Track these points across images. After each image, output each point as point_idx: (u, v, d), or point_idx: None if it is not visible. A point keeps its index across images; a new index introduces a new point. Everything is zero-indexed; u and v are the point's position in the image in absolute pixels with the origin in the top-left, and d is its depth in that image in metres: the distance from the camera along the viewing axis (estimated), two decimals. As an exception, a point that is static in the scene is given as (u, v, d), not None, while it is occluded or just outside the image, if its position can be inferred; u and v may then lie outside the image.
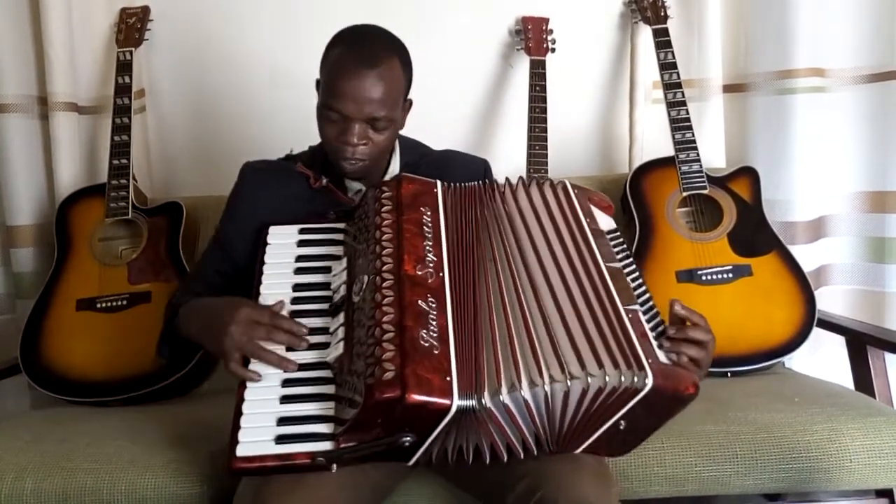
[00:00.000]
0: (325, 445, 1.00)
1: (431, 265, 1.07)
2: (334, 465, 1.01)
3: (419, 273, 1.05)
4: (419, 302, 1.02)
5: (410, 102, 1.30)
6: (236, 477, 1.06)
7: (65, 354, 1.68)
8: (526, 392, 0.95)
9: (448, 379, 0.96)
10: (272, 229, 1.24)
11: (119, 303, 1.71)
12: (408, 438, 0.99)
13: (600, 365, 0.96)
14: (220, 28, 2.01)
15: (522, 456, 1.03)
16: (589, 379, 0.95)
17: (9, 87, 1.87)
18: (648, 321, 1.05)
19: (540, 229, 1.14)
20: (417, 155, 1.37)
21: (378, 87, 1.18)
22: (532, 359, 0.98)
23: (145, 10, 1.95)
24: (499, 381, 0.96)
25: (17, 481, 1.23)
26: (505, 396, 0.95)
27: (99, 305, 1.71)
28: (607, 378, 0.95)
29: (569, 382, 0.95)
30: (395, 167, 1.34)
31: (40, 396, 1.72)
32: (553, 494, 0.99)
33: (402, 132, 1.34)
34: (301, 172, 1.31)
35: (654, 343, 1.02)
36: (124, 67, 1.87)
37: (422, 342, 0.98)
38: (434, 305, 1.02)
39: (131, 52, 1.89)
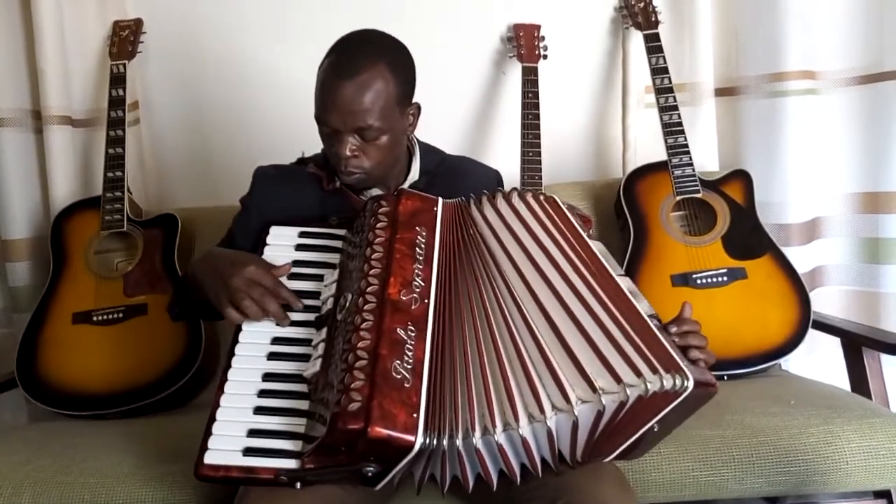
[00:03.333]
0: (290, 463, 0.99)
1: (418, 290, 1.04)
2: (298, 484, 0.99)
3: (403, 298, 1.02)
4: (398, 329, 0.99)
5: (418, 106, 1.27)
6: (203, 482, 1.04)
7: (61, 368, 1.68)
8: (499, 435, 0.92)
9: (415, 416, 0.93)
10: (273, 230, 1.22)
11: (115, 315, 1.71)
12: (371, 469, 0.97)
13: (638, 374, 0.92)
14: (213, 39, 2.02)
15: (518, 481, 1.00)
16: (628, 390, 0.91)
17: (3, 101, 1.88)
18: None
19: (537, 244, 1.10)
20: (436, 160, 1.35)
21: (360, 97, 1.15)
22: (533, 390, 0.93)
23: (138, 23, 1.95)
24: (472, 423, 0.93)
25: (14, 496, 1.23)
26: (477, 440, 0.92)
27: (95, 318, 1.71)
28: (649, 385, 0.91)
29: (603, 399, 0.91)
30: (415, 172, 1.32)
31: (38, 410, 1.72)
32: (575, 502, 0.98)
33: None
34: (312, 173, 1.30)
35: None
36: (118, 80, 1.88)
37: (394, 373, 0.95)
38: (413, 334, 0.99)
39: (125, 65, 1.89)
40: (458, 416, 0.94)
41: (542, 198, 1.18)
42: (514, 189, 1.19)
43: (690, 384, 0.94)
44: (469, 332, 1.01)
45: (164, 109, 2.04)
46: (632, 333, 0.98)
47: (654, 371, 0.93)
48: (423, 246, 1.09)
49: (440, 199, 1.17)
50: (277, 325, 1.11)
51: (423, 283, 1.05)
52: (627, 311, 1.01)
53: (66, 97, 1.90)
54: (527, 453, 0.96)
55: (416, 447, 0.92)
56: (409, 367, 0.96)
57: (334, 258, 1.18)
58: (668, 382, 0.93)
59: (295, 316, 1.13)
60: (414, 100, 1.26)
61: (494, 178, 1.39)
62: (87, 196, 1.89)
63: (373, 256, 1.07)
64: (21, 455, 1.35)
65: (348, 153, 1.19)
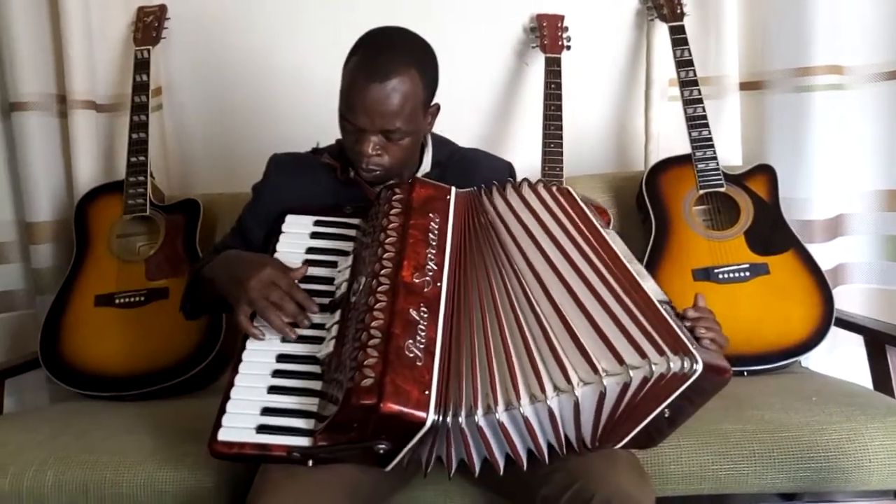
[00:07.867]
0: (303, 441, 1.01)
1: (430, 274, 1.06)
2: (310, 461, 1.01)
3: (416, 281, 1.04)
4: (411, 310, 1.01)
5: (437, 107, 1.28)
6: (218, 459, 1.05)
7: (83, 349, 1.69)
8: (501, 414, 0.93)
9: (427, 393, 0.95)
10: (288, 218, 1.25)
11: (137, 299, 1.72)
12: (382, 446, 0.98)
13: (643, 356, 0.93)
14: (236, 25, 2.02)
15: (525, 467, 1.01)
16: (631, 372, 0.91)
17: (28, 86, 1.90)
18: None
19: (545, 232, 1.11)
20: (447, 152, 1.36)
21: (390, 101, 1.16)
22: (535, 371, 0.95)
23: (162, 9, 1.96)
24: (475, 402, 0.94)
25: (38, 474, 1.25)
26: (480, 418, 0.94)
27: (117, 301, 1.73)
28: (654, 366, 0.92)
29: (605, 381, 0.92)
30: (426, 164, 1.33)
31: (59, 390, 1.75)
32: (591, 487, 0.98)
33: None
34: (327, 164, 1.32)
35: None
36: (142, 65, 1.89)
37: (406, 352, 0.97)
38: (426, 315, 1.01)
39: (149, 51, 1.91)
40: (462, 395, 0.96)
41: (554, 188, 1.20)
42: (525, 179, 1.21)
43: (699, 367, 0.94)
44: (478, 314, 1.03)
45: (187, 95, 2.05)
46: (639, 317, 0.98)
47: (661, 353, 0.93)
48: (435, 232, 1.11)
49: (453, 188, 1.19)
50: (295, 326, 1.11)
51: (435, 268, 1.07)
52: (636, 296, 1.02)
53: (91, 82, 1.92)
54: (531, 434, 0.96)
55: (428, 423, 0.94)
56: (422, 346, 0.98)
57: (348, 246, 1.21)
58: (675, 364, 0.93)
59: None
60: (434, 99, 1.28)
61: (506, 170, 1.39)
62: (110, 180, 1.90)
63: (387, 241, 1.09)
64: (43, 434, 1.37)
65: (371, 152, 1.20)
